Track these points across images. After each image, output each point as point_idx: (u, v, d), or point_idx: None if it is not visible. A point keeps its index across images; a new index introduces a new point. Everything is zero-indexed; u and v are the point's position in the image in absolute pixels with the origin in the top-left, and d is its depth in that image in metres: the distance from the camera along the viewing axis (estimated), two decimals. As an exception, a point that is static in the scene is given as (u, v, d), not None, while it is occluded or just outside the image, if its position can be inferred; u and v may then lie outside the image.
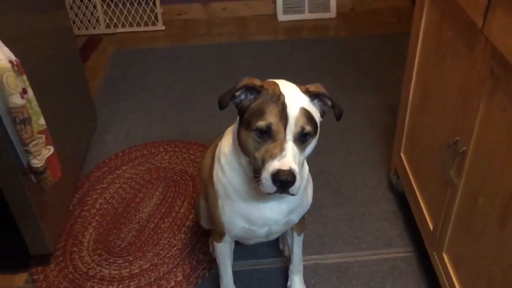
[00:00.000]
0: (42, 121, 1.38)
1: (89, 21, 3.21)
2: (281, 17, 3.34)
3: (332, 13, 3.36)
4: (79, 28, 3.19)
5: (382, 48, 2.95)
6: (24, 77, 1.30)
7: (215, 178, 1.26)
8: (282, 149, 1.01)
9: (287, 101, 1.05)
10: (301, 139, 1.06)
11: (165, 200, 1.96)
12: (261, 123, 1.03)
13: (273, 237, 1.41)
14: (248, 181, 1.19)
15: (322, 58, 2.88)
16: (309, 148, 1.11)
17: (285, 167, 0.99)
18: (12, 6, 1.54)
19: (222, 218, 1.28)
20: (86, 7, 3.18)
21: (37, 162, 1.37)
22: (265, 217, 1.25)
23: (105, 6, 3.21)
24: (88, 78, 2.46)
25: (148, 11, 3.26)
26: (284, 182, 1.00)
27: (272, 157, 1.01)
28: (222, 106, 1.09)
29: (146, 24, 3.26)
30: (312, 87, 1.15)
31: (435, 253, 1.47)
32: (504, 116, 1.04)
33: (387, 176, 2.02)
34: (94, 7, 3.18)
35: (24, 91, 1.30)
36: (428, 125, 1.54)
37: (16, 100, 1.25)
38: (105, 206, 1.94)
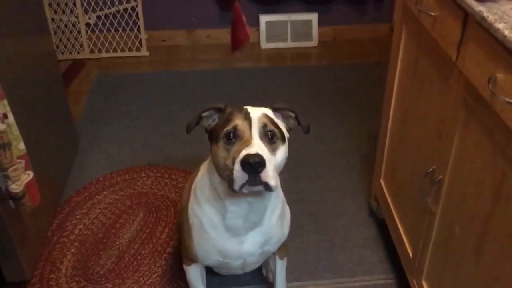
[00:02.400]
0: (22, 145, 1.37)
1: (73, 46, 3.22)
2: (265, 45, 3.40)
3: (314, 42, 3.43)
4: (62, 53, 3.20)
5: (362, 76, 3.02)
6: (5, 102, 1.30)
7: (190, 211, 1.28)
8: (249, 144, 1.05)
9: (250, 110, 1.13)
10: (268, 139, 1.10)
11: (146, 226, 1.94)
12: (228, 127, 1.09)
13: (249, 269, 1.41)
14: (222, 217, 1.21)
15: (304, 86, 2.93)
16: (280, 155, 1.12)
17: (253, 151, 1.02)
18: (-4, 31, 1.55)
19: (196, 250, 1.30)
20: (71, 32, 3.20)
21: (16, 188, 1.35)
22: (239, 250, 1.26)
23: (89, 32, 3.23)
24: (70, 102, 2.45)
25: (132, 37, 3.28)
26: (253, 164, 1.01)
27: (241, 151, 1.04)
28: (188, 129, 1.19)
29: (130, 50, 3.29)
30: (275, 104, 1.23)
31: (414, 280, 1.48)
32: (478, 147, 1.07)
33: (368, 203, 2.04)
34: (79, 32, 3.19)
35: (5, 116, 1.30)
36: (406, 152, 1.57)
37: (-3, 125, 1.25)
38: (84, 232, 1.92)
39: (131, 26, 3.26)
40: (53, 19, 3.13)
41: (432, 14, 1.23)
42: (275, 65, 3.22)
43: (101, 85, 2.95)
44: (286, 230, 1.38)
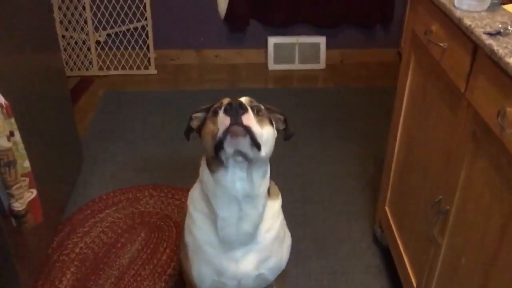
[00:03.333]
0: (27, 163, 1.37)
1: (82, 62, 3.25)
2: (272, 66, 3.42)
3: (322, 65, 3.45)
4: (71, 69, 3.22)
5: (369, 100, 3.02)
6: (12, 120, 1.30)
7: (185, 229, 1.29)
8: None
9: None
10: (253, 111, 1.09)
11: (147, 247, 1.93)
12: (215, 106, 1.13)
13: None
14: (214, 227, 1.19)
15: (311, 108, 2.93)
16: (266, 131, 1.11)
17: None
18: (7, 47, 1.56)
19: (192, 270, 1.29)
20: (80, 49, 3.23)
21: (19, 206, 1.35)
22: (234, 269, 1.24)
23: (99, 49, 3.26)
24: (77, 119, 2.46)
25: (141, 55, 3.31)
26: (234, 105, 1.02)
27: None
28: (186, 136, 1.30)
29: (138, 68, 3.31)
30: (266, 105, 1.25)
31: (418, 311, 1.45)
32: (486, 179, 1.06)
33: (372, 229, 2.02)
34: (88, 49, 3.23)
35: (11, 134, 1.30)
36: (412, 181, 1.56)
37: (3, 142, 1.25)
38: (85, 251, 1.90)
39: (141, 45, 3.29)
40: (63, 36, 3.16)
41: (441, 44, 1.23)
42: (282, 87, 3.23)
43: (108, 102, 2.96)
44: (285, 255, 1.36)
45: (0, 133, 1.24)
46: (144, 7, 3.17)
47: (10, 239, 1.49)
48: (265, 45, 3.41)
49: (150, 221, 2.05)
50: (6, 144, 1.26)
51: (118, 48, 3.29)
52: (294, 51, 3.41)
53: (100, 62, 3.27)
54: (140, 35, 3.27)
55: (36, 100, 1.79)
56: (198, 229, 1.24)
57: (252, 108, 1.10)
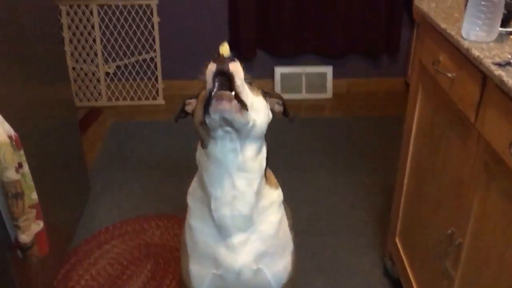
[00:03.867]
0: (34, 195, 1.37)
1: (91, 93, 3.29)
2: (279, 96, 3.43)
3: (329, 94, 3.46)
4: (81, 100, 3.26)
5: (377, 129, 3.01)
6: (22, 152, 1.30)
7: (185, 227, 1.28)
8: None
9: None
10: (247, 80, 1.07)
11: (153, 279, 1.90)
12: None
13: None
14: (210, 212, 1.17)
15: (318, 137, 2.93)
16: (259, 100, 1.10)
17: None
18: (19, 78, 1.58)
19: (189, 266, 1.26)
20: (90, 81, 3.27)
21: (25, 238, 1.33)
22: (231, 257, 1.20)
23: (108, 80, 3.30)
24: (86, 149, 2.47)
25: (149, 86, 3.35)
26: (222, 55, 1.01)
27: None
28: (176, 119, 1.32)
29: (147, 98, 3.34)
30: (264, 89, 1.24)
31: None
32: (499, 211, 1.04)
33: (382, 261, 1.98)
34: (98, 80, 3.27)
35: (20, 166, 1.30)
36: (423, 212, 1.53)
37: (11, 174, 1.25)
38: (90, 284, 1.87)
39: (149, 76, 3.33)
40: (74, 68, 3.21)
41: (450, 75, 1.23)
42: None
43: (116, 132, 2.98)
44: (288, 260, 1.31)
45: (8, 165, 1.24)
46: (153, 39, 3.22)
47: (16, 271, 1.48)
48: (272, 75, 3.43)
49: (156, 252, 2.03)
50: (15, 176, 1.26)
51: (127, 79, 3.33)
52: (301, 80, 3.43)
53: (109, 93, 3.31)
54: (148, 66, 3.32)
55: (45, 130, 1.80)
56: (195, 218, 1.23)
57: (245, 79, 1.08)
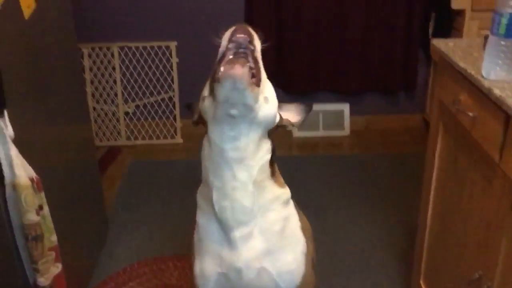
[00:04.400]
0: (54, 237, 1.37)
1: (111, 133, 3.33)
2: (296, 133, 3.44)
3: (346, 131, 3.45)
4: (101, 140, 3.30)
5: (396, 167, 2.97)
6: (42, 194, 1.31)
7: (195, 228, 1.27)
8: None
9: None
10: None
11: (172, 322, 1.86)
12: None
13: None
14: (212, 207, 1.15)
15: (336, 175, 2.90)
16: (271, 87, 1.11)
17: None
18: (41, 120, 1.61)
19: (195, 266, 1.25)
20: (110, 120, 3.33)
21: (44, 281, 1.33)
22: (233, 255, 1.17)
23: (127, 120, 3.36)
24: (104, 188, 2.48)
25: (168, 125, 3.39)
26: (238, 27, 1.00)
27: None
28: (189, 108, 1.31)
29: (165, 137, 3.37)
30: None
31: None
32: (530, 255, 1.00)
33: (407, 304, 1.91)
34: (117, 120, 3.32)
35: (40, 208, 1.31)
36: (449, 254, 1.48)
37: (31, 217, 1.25)
38: (108, 327, 1.84)
39: (167, 115, 3.37)
40: (94, 108, 3.27)
41: (471, 114, 1.22)
42: (307, 154, 3.22)
43: (134, 171, 3.00)
44: (299, 260, 1.25)
45: (29, 207, 1.25)
46: (172, 79, 3.28)
47: (33, 315, 1.46)
48: (289, 113, 3.45)
49: (174, 294, 2.00)
50: (35, 218, 1.26)
51: (145, 119, 3.38)
52: (318, 118, 3.44)
53: (128, 132, 3.35)
54: (167, 105, 3.37)
55: (65, 170, 1.82)
56: (202, 215, 1.22)
57: None
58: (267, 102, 1.08)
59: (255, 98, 1.02)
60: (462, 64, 1.26)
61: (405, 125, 3.51)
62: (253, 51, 1.02)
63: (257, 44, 1.03)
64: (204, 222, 1.22)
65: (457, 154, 1.39)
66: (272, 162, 1.19)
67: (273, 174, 1.21)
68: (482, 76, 1.16)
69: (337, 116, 3.44)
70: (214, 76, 1.01)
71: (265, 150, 1.15)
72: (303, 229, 1.30)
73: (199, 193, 1.26)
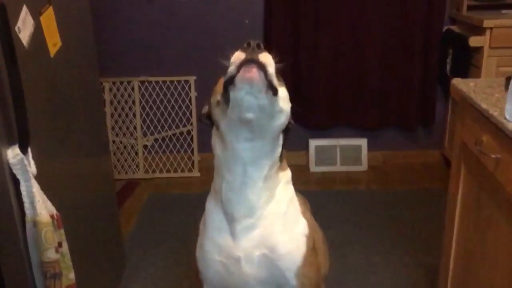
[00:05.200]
0: (72, 275, 1.36)
1: (129, 166, 3.36)
2: (314, 168, 3.42)
3: (364, 166, 3.42)
4: (119, 173, 3.33)
5: (415, 203, 2.93)
6: (62, 231, 1.32)
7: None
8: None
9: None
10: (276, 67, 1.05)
11: None
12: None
13: None
14: (220, 196, 1.18)
15: (354, 211, 2.86)
16: (285, 91, 1.10)
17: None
18: (63, 155, 1.63)
19: (197, 251, 1.28)
20: (128, 153, 3.36)
21: (61, 319, 1.31)
22: (233, 244, 1.18)
23: (146, 153, 3.39)
24: (122, 223, 2.48)
25: (185, 158, 3.41)
26: (252, 44, 0.97)
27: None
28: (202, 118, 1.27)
29: (182, 171, 3.39)
30: None
31: None
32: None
33: None
34: (136, 153, 3.35)
35: (60, 245, 1.31)
36: (473, 299, 1.44)
37: (51, 254, 1.25)
38: None
39: (185, 148, 3.40)
40: (113, 141, 3.32)
41: (494, 156, 1.20)
42: (324, 189, 3.19)
43: (152, 205, 3.00)
44: (300, 242, 1.22)
45: (48, 245, 1.25)
46: (190, 113, 3.32)
47: None
48: (306, 147, 3.45)
49: (189, 333, 1.96)
50: (54, 256, 1.26)
51: (164, 152, 3.41)
52: (336, 153, 3.43)
53: (146, 166, 3.38)
54: (185, 139, 3.39)
55: (83, 205, 1.83)
56: (210, 200, 1.25)
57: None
58: (282, 111, 1.10)
59: (270, 103, 1.03)
60: (484, 106, 1.25)
61: (423, 161, 3.47)
62: (269, 71, 1.01)
63: (271, 62, 1.02)
64: (211, 208, 1.25)
65: (480, 195, 1.37)
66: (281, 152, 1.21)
67: (281, 161, 1.22)
68: (505, 118, 1.15)
69: (354, 151, 3.42)
70: (228, 82, 1.01)
71: (277, 148, 1.17)
72: (311, 220, 1.31)
73: (213, 179, 1.27)
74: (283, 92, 1.11)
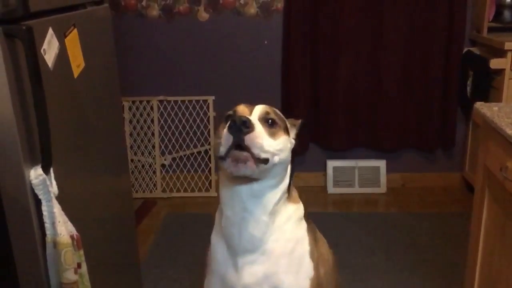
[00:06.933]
0: (90, 296, 1.36)
1: (147, 185, 3.38)
2: (331, 189, 3.39)
3: (383, 189, 3.38)
4: (136, 191, 3.35)
5: (435, 227, 2.87)
6: (81, 252, 1.32)
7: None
8: None
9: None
10: (268, 124, 1.06)
11: None
12: (229, 112, 1.11)
13: None
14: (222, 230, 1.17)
15: (372, 234, 2.82)
16: (280, 141, 1.08)
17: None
18: (84, 174, 1.64)
19: (205, 280, 1.28)
20: (146, 172, 3.38)
21: None
22: (235, 276, 1.17)
23: (163, 172, 3.40)
24: (139, 242, 2.48)
25: (203, 177, 3.41)
26: (238, 122, 0.97)
27: None
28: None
29: (199, 190, 3.39)
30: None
31: None
32: None
33: None
34: (154, 172, 3.37)
35: (79, 266, 1.31)
36: (498, 330, 1.39)
37: (69, 275, 1.25)
38: None
39: (203, 168, 3.40)
40: (132, 160, 3.34)
41: (521, 183, 1.17)
42: (342, 211, 3.16)
43: (169, 225, 3.00)
44: (302, 282, 1.20)
45: (68, 266, 1.25)
46: (208, 132, 3.33)
47: None
48: (324, 168, 3.42)
49: None
50: (73, 277, 1.26)
51: (181, 171, 3.42)
52: (354, 174, 3.39)
53: (164, 185, 3.39)
54: (203, 158, 3.40)
55: (102, 225, 1.83)
56: (215, 233, 1.24)
57: (266, 120, 1.08)
58: (279, 155, 1.10)
59: (264, 169, 1.07)
60: (509, 131, 1.23)
61: (443, 184, 3.42)
62: (254, 153, 1.03)
63: (257, 142, 1.03)
64: (215, 242, 1.24)
65: (506, 222, 1.33)
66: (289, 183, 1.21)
67: (289, 194, 1.21)
68: (532, 145, 1.13)
69: (373, 172, 3.39)
70: (218, 156, 1.07)
71: (284, 180, 1.16)
72: (319, 254, 1.28)
73: (218, 210, 1.28)
74: (278, 145, 1.09)
